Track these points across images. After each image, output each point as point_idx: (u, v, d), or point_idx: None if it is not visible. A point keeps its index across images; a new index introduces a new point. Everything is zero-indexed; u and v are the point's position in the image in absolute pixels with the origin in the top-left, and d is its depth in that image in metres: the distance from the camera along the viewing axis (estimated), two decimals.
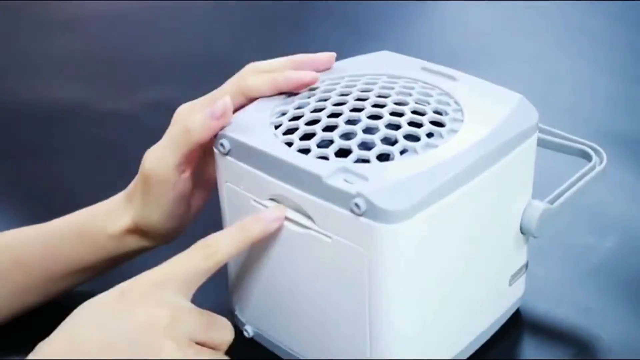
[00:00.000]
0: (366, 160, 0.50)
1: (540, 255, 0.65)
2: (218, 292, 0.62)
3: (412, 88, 0.56)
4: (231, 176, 0.54)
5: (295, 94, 0.57)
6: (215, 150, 0.54)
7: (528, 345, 0.59)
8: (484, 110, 0.54)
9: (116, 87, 0.99)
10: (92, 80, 1.01)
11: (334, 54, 0.59)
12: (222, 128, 0.53)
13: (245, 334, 0.59)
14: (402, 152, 0.50)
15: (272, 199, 0.52)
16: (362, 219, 0.47)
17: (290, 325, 0.56)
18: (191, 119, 0.54)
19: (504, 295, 0.59)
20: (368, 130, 0.51)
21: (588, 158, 0.61)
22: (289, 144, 0.51)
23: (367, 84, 0.56)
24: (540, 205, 0.56)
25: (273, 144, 0.52)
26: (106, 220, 0.59)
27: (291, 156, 0.50)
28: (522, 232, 0.57)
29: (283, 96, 0.57)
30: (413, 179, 0.48)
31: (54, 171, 0.84)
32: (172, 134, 0.55)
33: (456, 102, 0.55)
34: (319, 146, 0.51)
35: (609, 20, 1.06)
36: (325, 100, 0.55)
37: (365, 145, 0.51)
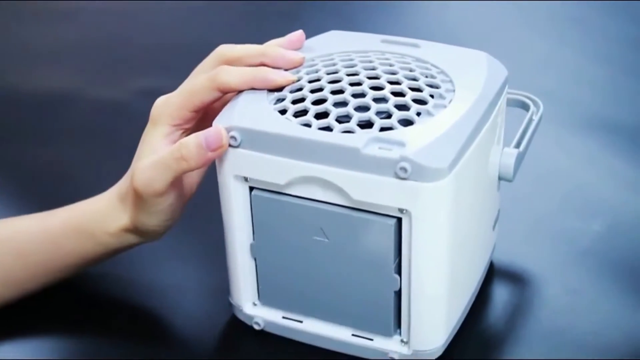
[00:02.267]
0: (389, 128, 0.52)
1: (530, 238, 0.68)
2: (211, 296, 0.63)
3: (389, 59, 0.58)
4: (241, 168, 0.54)
5: None
6: None
7: (517, 326, 0.60)
8: (465, 70, 0.58)
9: (110, 75, 0.97)
10: (87, 68, 0.99)
11: (302, 32, 0.60)
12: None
13: (256, 326, 0.59)
14: (417, 114, 0.53)
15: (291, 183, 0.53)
16: (407, 182, 0.49)
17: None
18: (187, 146, 0.53)
19: (490, 240, 0.63)
20: (378, 100, 0.53)
21: (526, 108, 0.67)
22: (307, 125, 0.52)
23: (345, 60, 0.58)
24: (513, 152, 0.61)
25: (292, 127, 0.52)
26: (104, 219, 0.59)
27: (318, 135, 0.51)
28: (499, 178, 0.61)
29: None
30: (443, 137, 0.51)
31: (48, 158, 0.83)
32: (165, 157, 0.54)
33: (434, 66, 0.58)
34: (338, 122, 0.52)
35: (606, 13, 1.06)
36: (317, 80, 0.56)
37: (384, 114, 0.53)
